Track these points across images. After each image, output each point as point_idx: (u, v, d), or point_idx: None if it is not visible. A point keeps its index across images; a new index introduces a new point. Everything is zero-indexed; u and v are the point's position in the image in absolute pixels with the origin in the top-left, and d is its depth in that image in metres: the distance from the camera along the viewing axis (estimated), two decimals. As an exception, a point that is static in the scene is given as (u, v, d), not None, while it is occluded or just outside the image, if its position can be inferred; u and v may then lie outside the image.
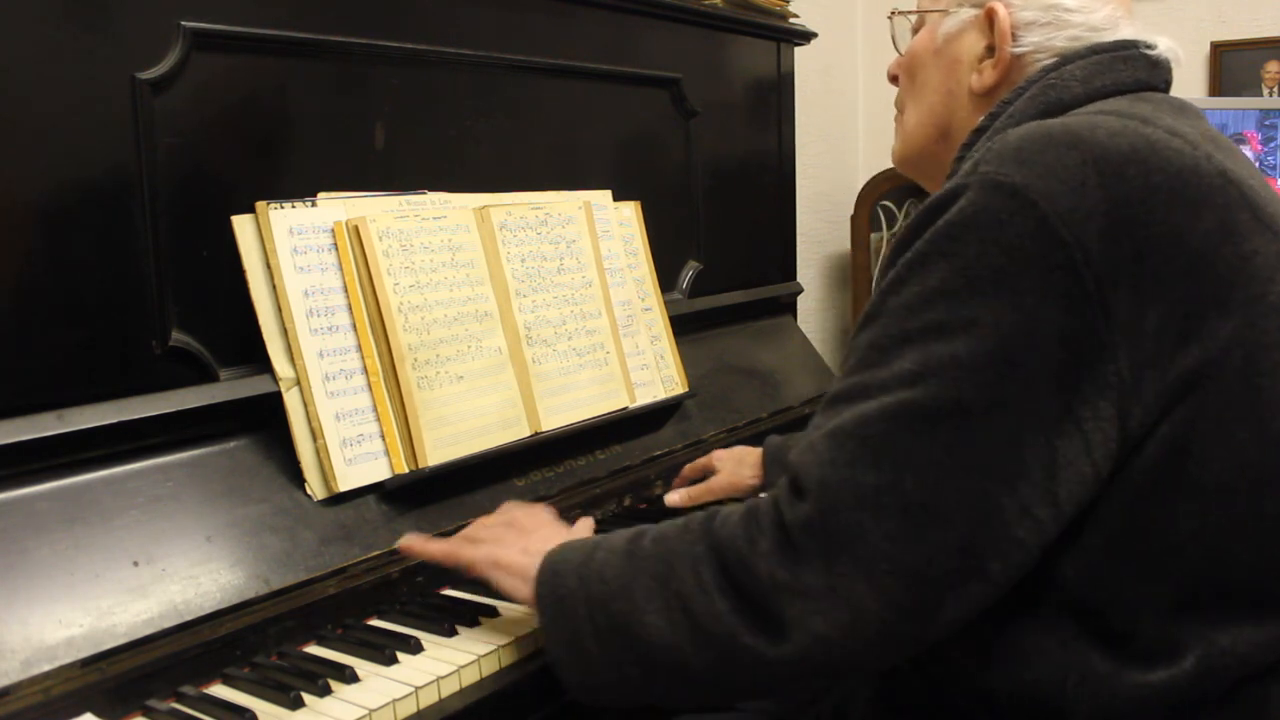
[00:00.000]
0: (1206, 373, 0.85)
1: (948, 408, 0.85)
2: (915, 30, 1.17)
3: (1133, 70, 1.02)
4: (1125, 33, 1.05)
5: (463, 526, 1.31)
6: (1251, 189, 0.91)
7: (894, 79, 1.20)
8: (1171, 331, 0.85)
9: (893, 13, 1.23)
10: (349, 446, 1.24)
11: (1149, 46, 1.03)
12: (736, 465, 1.55)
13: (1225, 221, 0.87)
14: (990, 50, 1.07)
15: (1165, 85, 1.05)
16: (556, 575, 1.01)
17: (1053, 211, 0.85)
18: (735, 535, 0.92)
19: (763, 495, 0.95)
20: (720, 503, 1.44)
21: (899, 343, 0.89)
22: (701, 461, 1.60)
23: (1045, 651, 0.90)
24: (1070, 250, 0.84)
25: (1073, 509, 0.87)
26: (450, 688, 1.04)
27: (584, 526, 1.21)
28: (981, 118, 1.05)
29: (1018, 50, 1.05)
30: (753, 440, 1.80)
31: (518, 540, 1.11)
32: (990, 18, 1.06)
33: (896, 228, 2.91)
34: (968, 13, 1.09)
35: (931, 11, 1.13)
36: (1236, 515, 0.87)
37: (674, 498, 1.53)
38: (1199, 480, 0.86)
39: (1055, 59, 1.03)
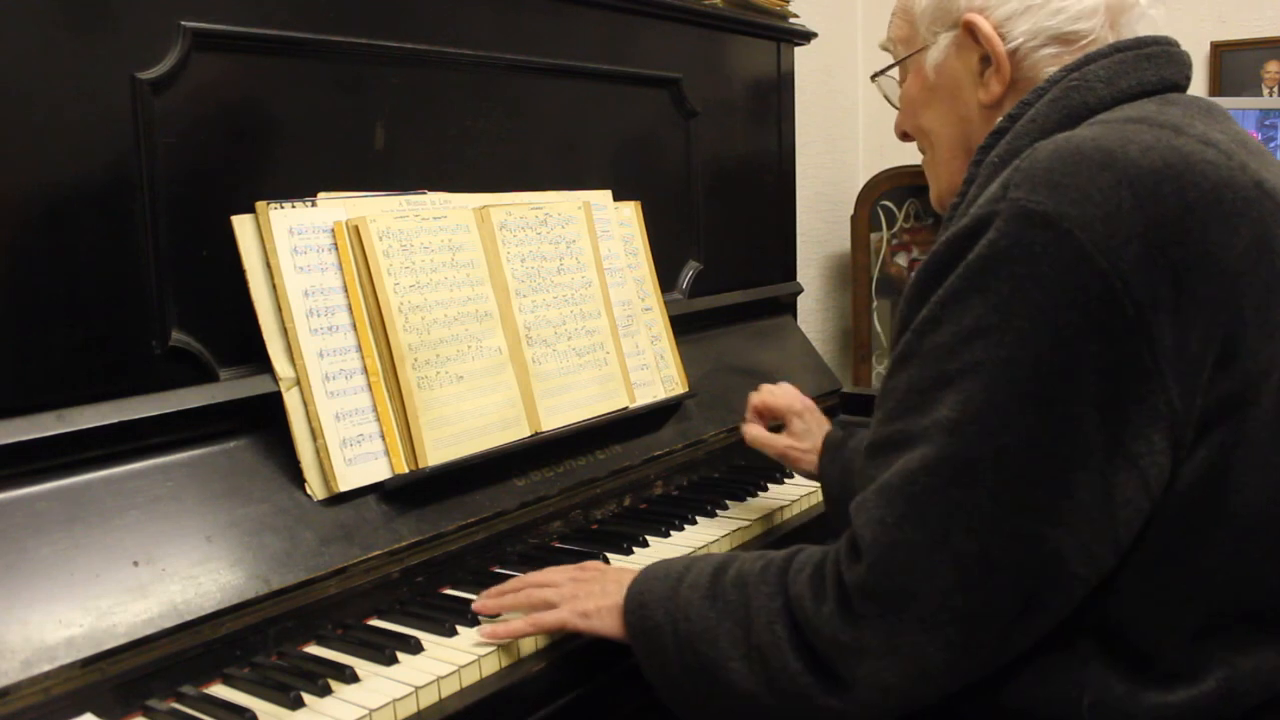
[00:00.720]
0: (1247, 396, 0.83)
1: (990, 455, 0.84)
2: (903, 80, 1.15)
3: (1156, 69, 0.98)
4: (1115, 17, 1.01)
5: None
6: None
7: (904, 135, 1.18)
8: (1213, 354, 0.83)
9: (874, 75, 1.23)
10: (349, 446, 1.24)
11: (1169, 43, 1.01)
12: (801, 439, 1.54)
13: (1261, 237, 0.85)
14: (986, 60, 1.04)
15: (1187, 81, 1.02)
16: (644, 608, 1.04)
17: (1089, 240, 0.82)
18: (804, 594, 0.93)
19: (830, 548, 0.96)
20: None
21: (939, 385, 0.87)
22: (781, 404, 1.58)
23: (1062, 669, 0.89)
24: (1109, 279, 0.81)
25: (1130, 541, 0.85)
26: (450, 688, 1.04)
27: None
28: (1000, 119, 1.01)
29: (1012, 45, 1.02)
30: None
31: (591, 586, 1.13)
32: (971, 29, 1.03)
33: (896, 228, 2.91)
34: (947, 35, 1.07)
35: (911, 55, 1.12)
36: (1270, 542, 0.85)
37: (748, 429, 1.57)
38: (1234, 506, 0.84)
39: (1055, 47, 1.01)
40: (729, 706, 0.98)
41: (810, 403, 1.60)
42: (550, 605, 1.13)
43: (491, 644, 1.10)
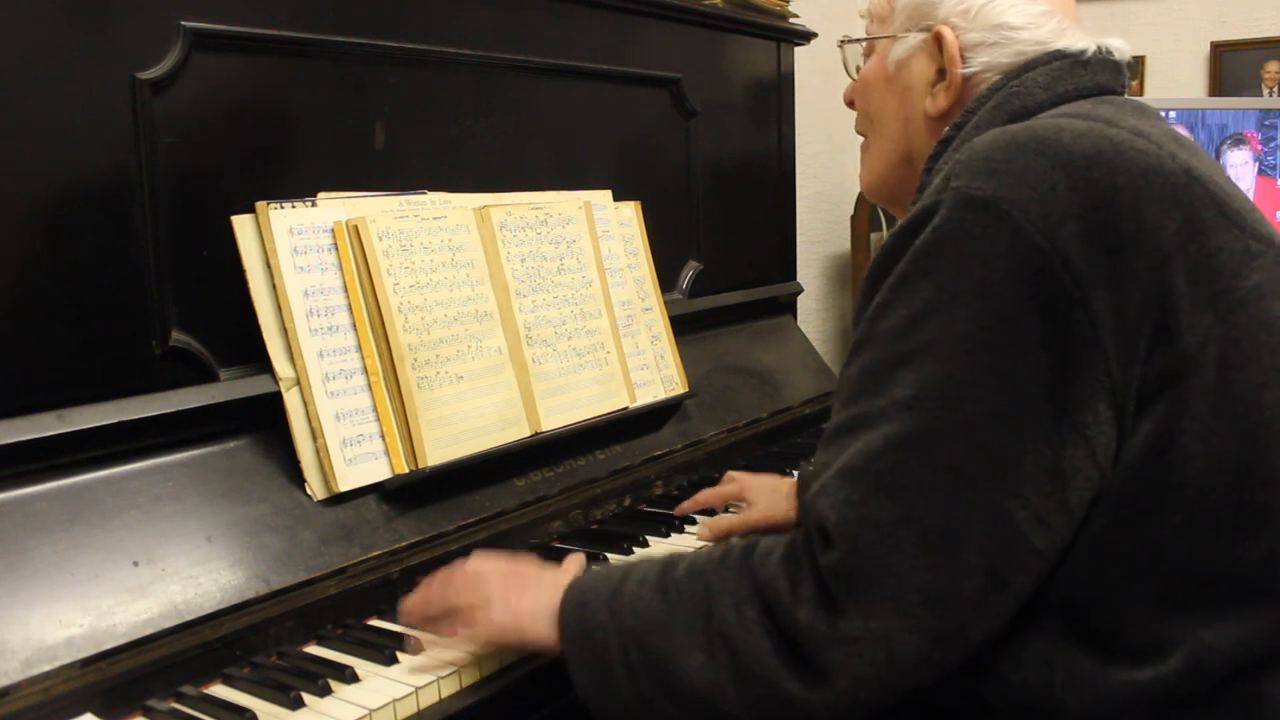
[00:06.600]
0: (1184, 368, 0.86)
1: (946, 428, 0.86)
2: (866, 55, 1.19)
3: (1093, 75, 1.04)
4: (1073, 43, 1.06)
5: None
6: (1217, 185, 0.92)
7: (850, 103, 1.22)
8: (1149, 328, 0.86)
9: (842, 41, 1.26)
10: (349, 446, 1.24)
11: (1107, 51, 1.05)
12: (771, 496, 1.48)
13: (1191, 219, 0.89)
14: (941, 73, 1.09)
15: (1123, 88, 1.07)
16: (584, 608, 0.98)
17: (1026, 220, 0.86)
18: (777, 577, 0.90)
19: (798, 532, 0.93)
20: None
21: (893, 366, 0.89)
22: (727, 490, 1.53)
23: (1032, 652, 0.90)
24: (1048, 256, 0.85)
25: (1083, 513, 0.87)
26: (450, 688, 1.04)
27: (574, 562, 1.11)
28: (946, 129, 1.06)
29: (967, 71, 1.07)
30: (753, 440, 1.80)
31: (519, 589, 1.05)
32: (938, 40, 1.07)
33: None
34: (915, 37, 1.10)
35: (880, 38, 1.15)
36: (1219, 511, 0.87)
37: (703, 532, 1.44)
38: (1181, 477, 0.86)
39: (1018, 67, 1.05)
40: (680, 703, 0.92)
41: (745, 481, 1.54)
42: (475, 609, 1.05)
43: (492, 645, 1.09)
